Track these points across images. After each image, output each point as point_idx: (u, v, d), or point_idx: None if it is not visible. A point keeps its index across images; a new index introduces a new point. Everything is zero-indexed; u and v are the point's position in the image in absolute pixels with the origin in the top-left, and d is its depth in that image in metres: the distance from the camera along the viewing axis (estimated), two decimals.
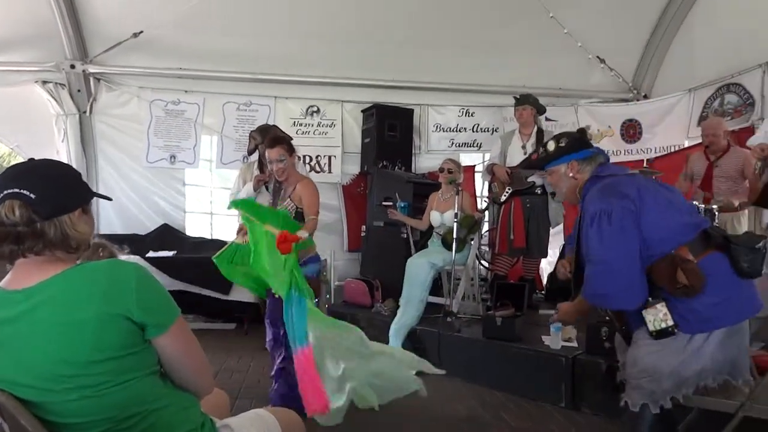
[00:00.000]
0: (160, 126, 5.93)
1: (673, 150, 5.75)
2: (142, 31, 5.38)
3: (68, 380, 1.13)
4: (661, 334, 1.93)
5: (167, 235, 5.66)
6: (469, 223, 4.33)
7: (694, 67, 5.68)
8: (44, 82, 5.62)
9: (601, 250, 2.00)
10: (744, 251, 1.93)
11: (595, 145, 5.45)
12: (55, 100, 5.65)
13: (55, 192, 1.19)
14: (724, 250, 1.97)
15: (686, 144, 5.62)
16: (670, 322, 1.92)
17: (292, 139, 4.92)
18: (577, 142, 2.28)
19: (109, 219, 5.73)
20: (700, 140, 4.54)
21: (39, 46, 5.50)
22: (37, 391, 1.14)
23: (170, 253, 5.22)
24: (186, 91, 5.98)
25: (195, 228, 6.00)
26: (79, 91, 5.73)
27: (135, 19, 5.36)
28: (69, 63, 5.56)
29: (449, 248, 4.16)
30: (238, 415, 1.46)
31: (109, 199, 1.52)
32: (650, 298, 1.95)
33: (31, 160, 1.27)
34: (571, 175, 2.25)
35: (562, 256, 5.42)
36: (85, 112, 5.77)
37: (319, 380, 2.14)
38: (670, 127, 5.88)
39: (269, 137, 3.34)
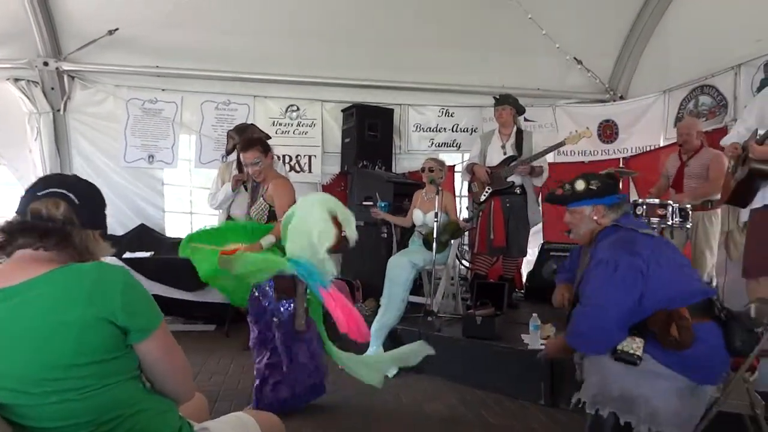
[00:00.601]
0: (138, 125, 5.84)
1: (648, 150, 5.86)
2: (117, 29, 5.30)
3: (49, 384, 1.11)
4: (623, 356, 1.95)
5: (145, 235, 5.58)
6: (452, 230, 4.35)
7: (669, 68, 5.79)
8: (16, 80, 5.49)
9: (595, 293, 2.02)
10: (741, 330, 1.95)
11: (573, 147, 5.55)
12: (28, 98, 5.52)
13: (94, 206, 1.31)
14: (721, 322, 1.98)
15: (662, 144, 5.74)
16: (638, 354, 1.94)
17: (269, 138, 4.93)
18: (608, 188, 2.25)
19: None
20: (675, 140, 4.65)
21: (11, 42, 5.38)
22: (11, 393, 1.11)
23: (147, 254, 5.14)
24: (163, 90, 5.89)
25: (174, 228, 5.92)
26: (52, 89, 5.61)
27: (110, 16, 5.27)
28: (42, 60, 5.43)
29: (430, 248, 4.18)
30: (218, 419, 1.44)
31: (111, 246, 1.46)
32: (635, 332, 1.98)
33: (75, 175, 1.39)
34: (595, 218, 2.23)
35: (541, 255, 5.57)
36: (59, 110, 5.65)
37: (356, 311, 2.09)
38: (646, 127, 6.00)
39: (243, 140, 3.35)
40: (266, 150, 3.13)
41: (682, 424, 1.92)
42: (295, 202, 2.90)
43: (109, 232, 4.93)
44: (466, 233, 5.48)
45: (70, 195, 1.23)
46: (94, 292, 1.14)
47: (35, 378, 1.11)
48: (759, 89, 4.39)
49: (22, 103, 5.52)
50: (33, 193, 1.24)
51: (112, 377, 1.17)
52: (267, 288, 3.00)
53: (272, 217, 3.11)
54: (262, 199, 3.17)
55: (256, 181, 3.27)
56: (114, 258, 5.03)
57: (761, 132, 2.99)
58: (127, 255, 5.03)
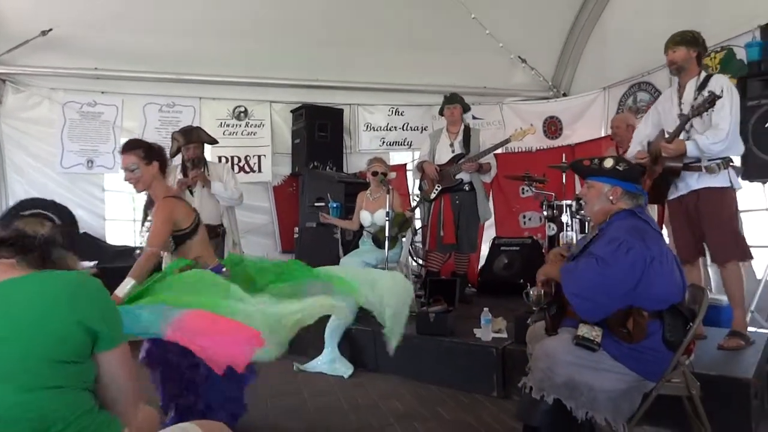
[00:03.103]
0: (75, 129, 5.60)
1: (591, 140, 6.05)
2: (51, 29, 5.07)
3: (14, 377, 1.12)
4: (584, 342, 2.01)
5: (85, 244, 5.34)
6: (400, 221, 4.37)
7: (608, 66, 6.02)
8: None
9: (607, 259, 2.03)
10: (670, 324, 2.04)
11: (519, 143, 5.66)
12: None
13: (71, 230, 1.41)
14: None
15: (603, 135, 5.93)
16: (598, 340, 2.00)
17: (215, 142, 4.84)
18: (633, 175, 2.27)
19: None
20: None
21: None
22: None
23: (91, 264, 4.93)
24: (103, 92, 5.70)
25: (116, 236, 5.70)
26: None
27: (44, 16, 5.05)
28: None
29: (381, 247, 4.19)
30: (162, 431, 1.41)
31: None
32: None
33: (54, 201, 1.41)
34: (611, 198, 2.23)
35: (493, 250, 5.67)
36: None
37: (227, 319, 1.83)
38: (588, 123, 6.21)
39: (125, 143, 2.81)
40: (151, 158, 2.63)
41: (620, 411, 2.00)
42: (169, 228, 2.51)
43: None
44: (419, 231, 5.54)
45: (54, 217, 1.32)
46: (75, 296, 1.20)
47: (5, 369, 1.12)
48: None
49: None
50: (17, 212, 1.32)
51: (70, 381, 1.19)
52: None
53: (176, 241, 2.64)
54: (150, 222, 2.79)
55: (146, 203, 2.91)
56: None
57: (669, 131, 3.15)
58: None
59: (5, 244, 1.26)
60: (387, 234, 4.17)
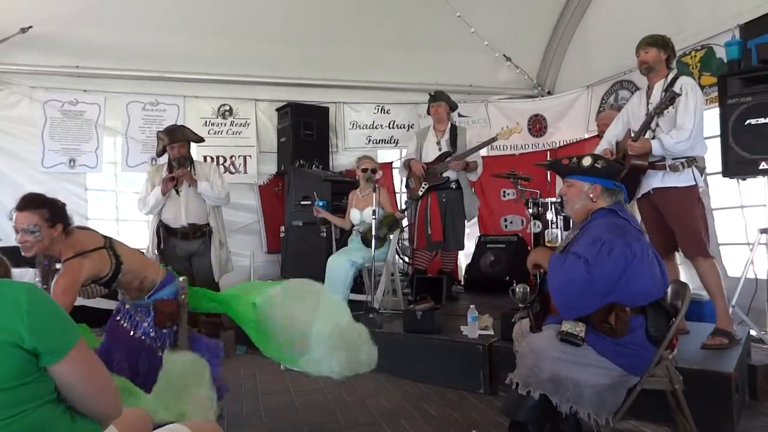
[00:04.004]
0: (57, 128, 5.51)
1: (574, 141, 6.12)
2: (31, 26, 4.97)
3: None
4: (568, 337, 2.05)
5: None
6: (389, 222, 4.38)
7: (591, 65, 6.08)
8: None
9: (593, 263, 2.05)
10: (653, 319, 2.07)
11: (505, 141, 5.68)
12: None
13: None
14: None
15: (586, 137, 6.00)
16: (581, 335, 2.04)
17: (202, 140, 4.80)
18: (611, 171, 2.31)
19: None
20: (597, 133, 4.88)
21: None
22: None
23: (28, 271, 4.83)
24: (85, 91, 5.59)
25: None
26: None
27: (23, 13, 4.93)
28: None
29: (369, 245, 4.19)
30: None
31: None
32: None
33: None
34: (590, 196, 2.27)
35: (479, 248, 5.70)
36: None
37: None
38: (572, 121, 6.26)
39: (21, 199, 2.36)
40: (55, 220, 2.29)
41: (605, 405, 2.03)
42: (74, 294, 2.24)
43: None
44: (405, 229, 5.55)
45: None
46: None
47: None
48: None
49: None
50: None
51: (24, 405, 1.08)
52: (140, 317, 2.61)
53: (108, 285, 2.48)
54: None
55: (46, 258, 2.50)
56: (34, 269, 4.78)
57: (634, 129, 3.26)
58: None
59: None
60: (374, 232, 4.17)
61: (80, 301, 2.42)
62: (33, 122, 5.46)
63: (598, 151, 3.52)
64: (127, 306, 2.64)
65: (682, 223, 3.16)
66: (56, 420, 1.14)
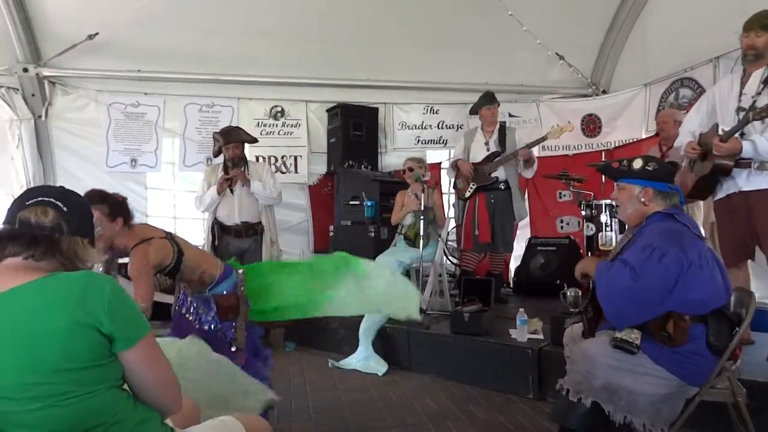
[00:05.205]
0: (120, 129, 5.80)
1: (630, 142, 5.92)
2: (97, 33, 5.26)
3: (31, 389, 1.11)
4: (622, 344, 1.97)
5: None
6: (430, 219, 4.38)
7: (649, 62, 5.86)
8: None
9: (639, 265, 1.98)
10: (715, 328, 1.98)
11: (556, 141, 5.54)
12: (8, 104, 5.46)
13: (81, 214, 1.33)
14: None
15: (643, 137, 5.80)
16: (637, 343, 1.96)
17: (255, 141, 4.93)
18: (664, 174, 2.20)
19: None
20: (656, 132, 4.70)
21: None
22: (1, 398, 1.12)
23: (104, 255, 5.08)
24: (146, 94, 5.87)
25: None
26: (33, 95, 5.56)
27: (90, 20, 5.23)
28: (21, 66, 5.39)
29: (414, 245, 4.19)
30: (202, 424, 1.44)
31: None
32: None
33: (62, 186, 1.38)
34: (642, 200, 2.18)
35: (529, 250, 5.59)
36: (40, 116, 5.60)
37: None
38: (628, 121, 6.06)
39: (87, 194, 2.34)
40: (115, 214, 2.37)
41: (660, 416, 1.95)
42: (151, 276, 2.36)
43: None
44: (454, 230, 5.51)
45: (58, 203, 1.25)
46: (82, 300, 1.15)
47: (18, 383, 1.11)
48: None
49: (2, 110, 5.45)
50: (22, 202, 1.26)
51: (95, 385, 1.17)
52: (202, 310, 2.67)
53: (170, 275, 2.56)
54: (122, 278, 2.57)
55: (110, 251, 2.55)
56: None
57: (724, 128, 2.91)
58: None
59: (10, 239, 1.22)
60: (421, 232, 4.18)
61: None
62: (98, 124, 5.77)
63: (678, 143, 3.29)
64: (189, 299, 2.73)
65: None
66: (121, 403, 1.24)
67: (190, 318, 2.70)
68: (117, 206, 2.43)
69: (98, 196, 2.39)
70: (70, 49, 5.35)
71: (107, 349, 1.19)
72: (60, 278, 1.20)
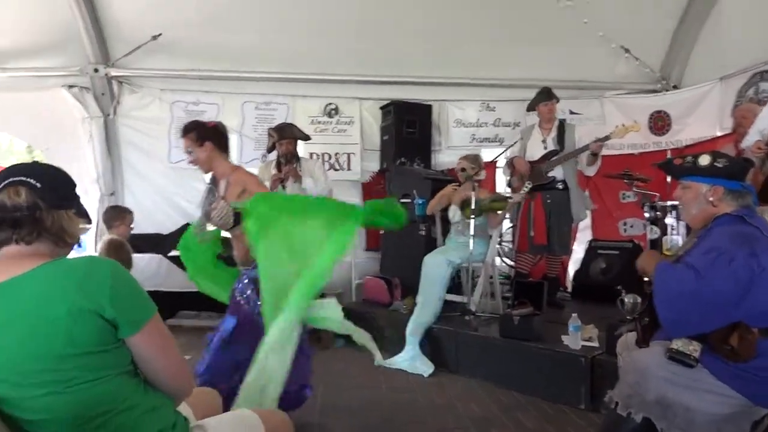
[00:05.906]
0: (181, 126, 5.98)
1: (703, 140, 5.53)
2: (160, 34, 5.45)
3: (36, 375, 1.12)
4: (678, 356, 1.80)
5: None
6: (487, 205, 4.27)
7: (726, 54, 5.43)
8: (70, 87, 5.74)
9: (704, 268, 1.80)
10: None
11: (621, 140, 5.21)
12: (81, 103, 5.76)
13: (58, 187, 1.27)
14: None
15: (718, 134, 5.40)
16: (695, 355, 1.78)
17: (308, 138, 4.95)
18: (735, 171, 2.00)
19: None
20: (732, 129, 4.36)
21: (64, 51, 5.60)
22: (6, 385, 1.13)
23: (88, 224, 5.23)
24: (206, 92, 6.04)
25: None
26: (103, 94, 5.83)
27: (153, 21, 5.42)
28: (92, 67, 5.65)
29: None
30: (218, 416, 1.43)
31: (89, 220, 1.44)
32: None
33: (35, 161, 1.33)
34: (711, 199, 1.98)
35: (589, 253, 5.34)
36: (109, 114, 5.88)
37: None
38: (702, 118, 5.67)
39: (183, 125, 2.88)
40: (203, 138, 2.67)
41: None
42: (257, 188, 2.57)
43: (156, 231, 4.98)
44: (509, 230, 5.35)
45: (30, 180, 1.22)
46: (83, 285, 1.15)
47: (22, 369, 1.12)
48: None
49: (75, 108, 5.76)
50: None
51: (101, 371, 1.17)
52: (251, 291, 2.68)
53: (238, 219, 2.60)
54: (223, 201, 2.69)
55: (209, 183, 2.86)
56: (160, 256, 5.25)
57: None
58: (173, 253, 5.17)
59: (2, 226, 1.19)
60: (472, 232, 4.07)
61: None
62: (161, 121, 6.00)
63: (745, 144, 3.08)
64: (240, 285, 2.72)
65: None
66: (131, 389, 1.24)
67: (241, 301, 2.74)
68: (204, 131, 2.69)
69: (187, 127, 2.74)
70: (136, 50, 5.58)
71: (112, 334, 1.18)
72: (62, 264, 1.20)
